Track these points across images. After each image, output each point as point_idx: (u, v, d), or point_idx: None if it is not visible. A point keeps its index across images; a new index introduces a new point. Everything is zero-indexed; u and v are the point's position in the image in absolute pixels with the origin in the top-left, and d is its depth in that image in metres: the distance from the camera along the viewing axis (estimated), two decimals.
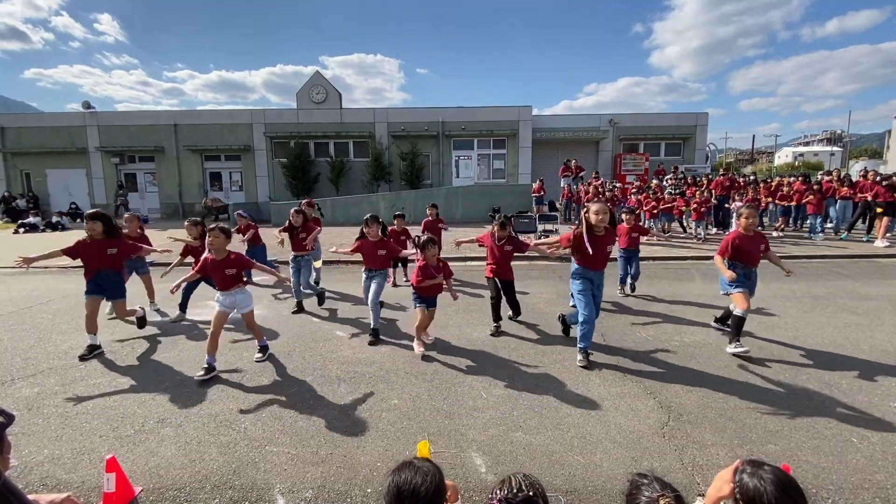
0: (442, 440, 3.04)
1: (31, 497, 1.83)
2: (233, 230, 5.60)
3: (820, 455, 2.81)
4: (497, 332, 5.11)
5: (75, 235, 5.45)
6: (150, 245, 5.91)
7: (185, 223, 6.32)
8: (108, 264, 4.68)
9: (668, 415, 3.32)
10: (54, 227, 17.36)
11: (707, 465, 2.73)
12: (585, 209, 4.24)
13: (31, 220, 17.18)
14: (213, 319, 4.17)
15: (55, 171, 22.28)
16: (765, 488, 1.27)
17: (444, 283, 4.72)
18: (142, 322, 5.33)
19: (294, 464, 2.80)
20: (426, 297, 4.66)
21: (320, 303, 6.38)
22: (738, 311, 4.39)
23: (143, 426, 3.27)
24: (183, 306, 5.93)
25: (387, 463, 2.79)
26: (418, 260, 4.73)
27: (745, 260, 4.48)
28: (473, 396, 3.64)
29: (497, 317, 5.20)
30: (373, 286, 5.06)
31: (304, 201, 8.38)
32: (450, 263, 4.89)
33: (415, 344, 4.68)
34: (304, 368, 4.26)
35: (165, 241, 6.15)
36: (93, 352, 4.64)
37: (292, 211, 6.47)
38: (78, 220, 20.82)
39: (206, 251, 4.30)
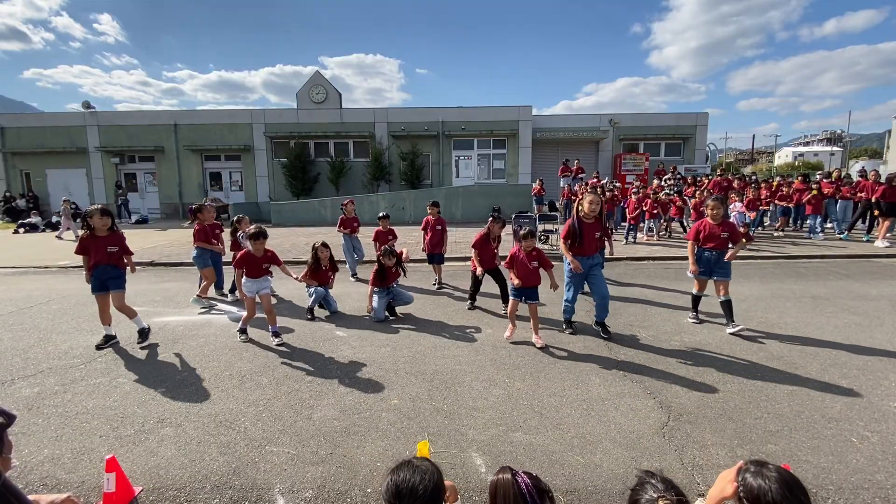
0: (442, 440, 3.04)
1: (31, 497, 1.83)
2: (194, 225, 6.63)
3: (820, 455, 2.81)
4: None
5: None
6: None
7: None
8: (107, 259, 4.81)
9: (668, 415, 3.32)
10: (54, 227, 17.36)
11: (707, 465, 2.73)
12: (579, 199, 4.92)
13: (31, 220, 17.19)
14: (248, 306, 5.05)
15: (55, 171, 22.26)
16: (769, 487, 1.27)
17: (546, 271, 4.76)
18: (142, 335, 5.03)
19: (294, 464, 2.80)
20: (524, 290, 4.76)
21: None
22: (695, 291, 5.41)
23: (143, 426, 3.27)
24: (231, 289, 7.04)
25: (387, 463, 2.79)
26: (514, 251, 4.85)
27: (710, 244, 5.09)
28: (473, 396, 3.65)
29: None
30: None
31: (346, 201, 8.25)
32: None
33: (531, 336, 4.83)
34: (304, 368, 4.26)
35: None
36: (108, 341, 4.90)
37: (320, 246, 6.07)
38: (77, 220, 20.83)
39: (242, 247, 5.15)
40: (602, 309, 4.95)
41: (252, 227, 5.17)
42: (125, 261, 4.99)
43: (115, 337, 4.98)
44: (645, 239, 11.92)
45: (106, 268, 4.80)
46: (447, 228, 7.67)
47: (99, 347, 4.82)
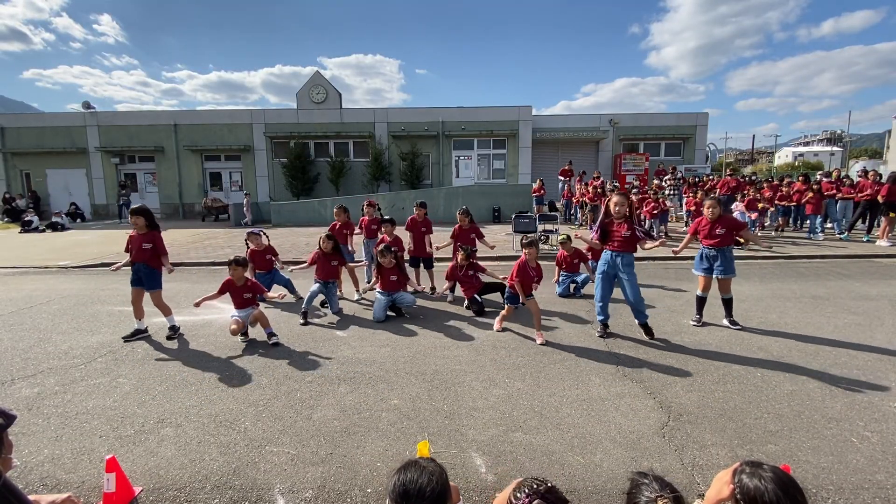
0: (442, 440, 3.04)
1: (31, 497, 1.83)
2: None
3: (820, 455, 2.81)
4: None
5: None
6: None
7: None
8: (144, 258, 5.01)
9: (668, 415, 3.31)
10: (54, 227, 17.36)
11: (707, 465, 2.73)
12: (608, 198, 5.05)
13: (26, 218, 17.20)
14: (231, 327, 4.91)
15: (55, 171, 22.28)
16: (766, 487, 1.27)
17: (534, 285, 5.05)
18: (173, 330, 5.17)
19: (294, 464, 2.80)
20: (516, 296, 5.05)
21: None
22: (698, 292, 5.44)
23: (143, 426, 3.27)
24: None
25: (387, 463, 2.79)
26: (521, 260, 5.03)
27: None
28: (473, 396, 3.64)
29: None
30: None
31: (366, 202, 8.06)
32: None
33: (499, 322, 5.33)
34: (304, 368, 4.26)
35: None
36: (136, 334, 5.14)
37: (323, 236, 6.10)
38: (78, 220, 20.84)
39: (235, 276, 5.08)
40: (637, 312, 4.92)
41: (233, 256, 5.21)
42: (162, 261, 5.12)
43: (144, 331, 5.20)
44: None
45: (140, 266, 5.04)
46: (432, 230, 7.17)
47: (126, 339, 5.04)
